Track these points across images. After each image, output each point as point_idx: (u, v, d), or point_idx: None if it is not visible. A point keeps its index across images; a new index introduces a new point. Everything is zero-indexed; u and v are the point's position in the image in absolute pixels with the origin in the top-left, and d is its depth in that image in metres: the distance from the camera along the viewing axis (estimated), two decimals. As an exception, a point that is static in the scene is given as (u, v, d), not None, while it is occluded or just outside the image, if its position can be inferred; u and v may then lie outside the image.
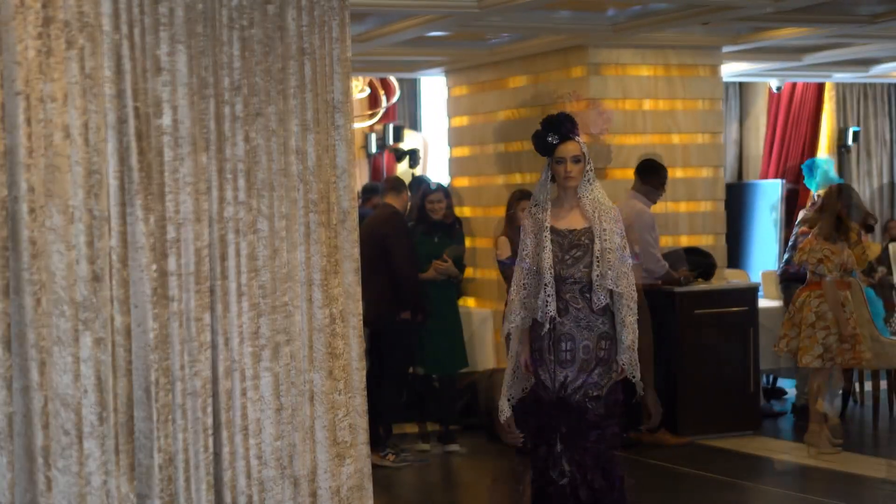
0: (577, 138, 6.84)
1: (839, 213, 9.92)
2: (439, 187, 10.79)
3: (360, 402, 6.47)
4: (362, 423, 6.49)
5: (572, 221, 6.85)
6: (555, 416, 6.81)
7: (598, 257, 6.73)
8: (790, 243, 11.99)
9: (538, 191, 6.92)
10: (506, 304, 7.05)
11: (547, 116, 6.90)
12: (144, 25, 5.87)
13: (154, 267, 5.82)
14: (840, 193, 10.13)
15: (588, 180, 6.86)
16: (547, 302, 6.71)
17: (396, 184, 10.55)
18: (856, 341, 9.70)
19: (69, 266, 5.58)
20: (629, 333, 6.80)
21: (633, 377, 6.93)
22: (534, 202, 6.92)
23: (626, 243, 6.84)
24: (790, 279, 11.67)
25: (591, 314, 6.78)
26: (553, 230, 6.81)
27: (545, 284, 6.72)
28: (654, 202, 10.44)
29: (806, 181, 13.52)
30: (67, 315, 5.58)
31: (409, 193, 10.66)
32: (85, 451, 5.63)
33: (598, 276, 6.72)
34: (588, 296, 6.75)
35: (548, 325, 6.73)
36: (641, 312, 10.19)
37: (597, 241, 6.74)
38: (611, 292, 6.74)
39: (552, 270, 6.72)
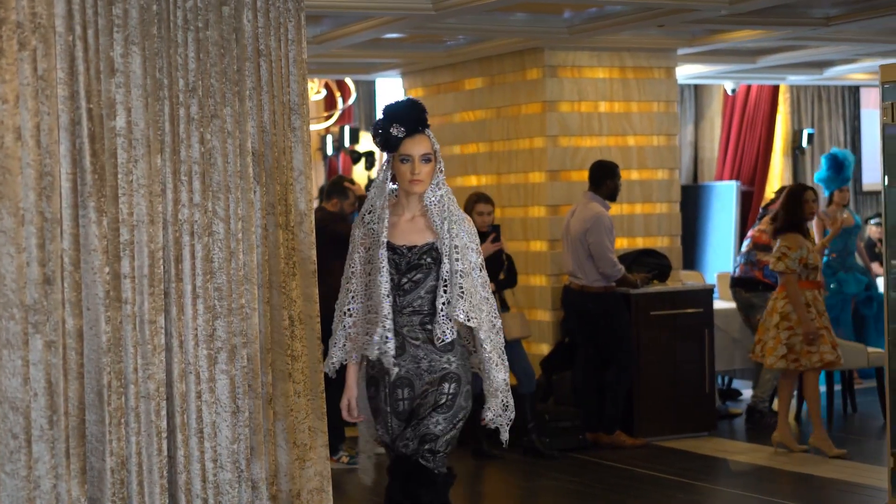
0: (427, 132, 5.63)
1: (795, 210, 9.94)
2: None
3: (318, 404, 6.46)
4: (321, 425, 6.48)
5: (413, 236, 5.61)
6: (403, 483, 5.56)
7: (445, 280, 5.53)
8: (742, 249, 12.04)
9: (374, 195, 5.67)
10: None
11: (390, 103, 5.69)
12: (98, 27, 5.84)
13: (107, 269, 5.79)
14: (795, 192, 10.15)
15: (437, 184, 5.62)
16: (386, 339, 5.51)
17: (334, 189, 10.31)
18: (820, 342, 9.72)
19: (19, 269, 5.55)
20: (499, 373, 5.74)
21: (503, 430, 5.87)
22: (368, 208, 5.67)
23: (480, 262, 5.66)
24: (737, 284, 11.75)
25: (434, 352, 5.59)
26: (389, 246, 5.58)
27: (383, 317, 5.50)
28: (614, 200, 10.45)
29: (830, 175, 13.31)
30: (17, 318, 5.55)
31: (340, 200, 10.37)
32: (34, 454, 5.60)
33: (443, 304, 5.53)
34: (430, 329, 5.57)
35: (395, 369, 5.56)
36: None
37: (445, 260, 5.54)
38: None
39: (389, 299, 5.51)
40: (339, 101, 15.67)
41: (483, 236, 9.83)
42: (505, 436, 5.88)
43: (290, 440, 6.39)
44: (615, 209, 10.85)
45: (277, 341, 6.37)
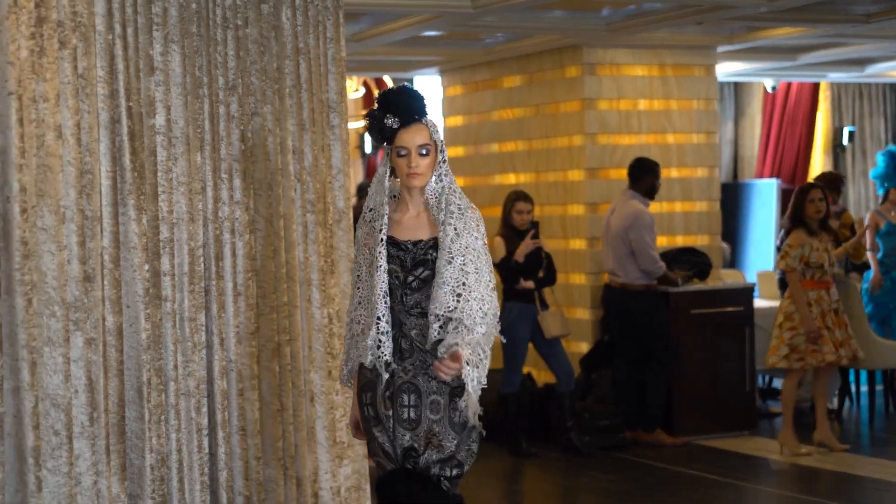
0: (425, 120, 5.15)
1: (800, 208, 9.86)
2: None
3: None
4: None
5: (418, 231, 5.18)
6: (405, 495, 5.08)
7: (439, 273, 5.05)
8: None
9: (374, 190, 5.23)
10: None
11: (384, 91, 5.20)
12: (138, 25, 5.86)
13: (147, 267, 5.81)
14: (803, 190, 10.06)
15: (440, 176, 5.19)
16: (379, 342, 5.07)
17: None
18: (822, 342, 9.65)
19: (60, 266, 5.57)
20: (474, 373, 5.03)
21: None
22: (368, 205, 5.25)
23: (489, 257, 5.18)
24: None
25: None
26: (392, 242, 5.14)
27: (377, 318, 5.06)
28: (652, 199, 10.41)
29: (887, 172, 13.21)
30: (58, 315, 5.57)
31: None
32: (75, 451, 5.62)
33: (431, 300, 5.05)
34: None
35: (386, 374, 5.09)
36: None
37: (440, 257, 5.06)
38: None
39: (386, 299, 5.08)
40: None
41: (522, 234, 9.82)
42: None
43: (329, 438, 6.40)
44: (655, 207, 10.81)
45: (317, 339, 6.38)
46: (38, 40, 5.57)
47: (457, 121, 13.19)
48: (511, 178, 12.15)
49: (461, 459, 5.10)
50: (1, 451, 5.49)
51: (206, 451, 6.07)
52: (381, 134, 5.10)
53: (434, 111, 14.54)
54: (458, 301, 5.01)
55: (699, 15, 10.00)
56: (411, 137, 5.07)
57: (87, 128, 5.68)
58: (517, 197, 10.03)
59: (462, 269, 5.04)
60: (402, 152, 5.07)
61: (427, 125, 5.12)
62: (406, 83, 5.32)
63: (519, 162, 12.07)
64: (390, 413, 5.07)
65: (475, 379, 5.03)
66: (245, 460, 6.19)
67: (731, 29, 11.36)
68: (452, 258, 5.04)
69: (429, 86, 15.72)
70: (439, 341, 5.02)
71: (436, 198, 5.16)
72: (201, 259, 6.05)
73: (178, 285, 5.96)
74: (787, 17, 10.48)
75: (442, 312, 5.00)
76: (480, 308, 5.05)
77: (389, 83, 15.47)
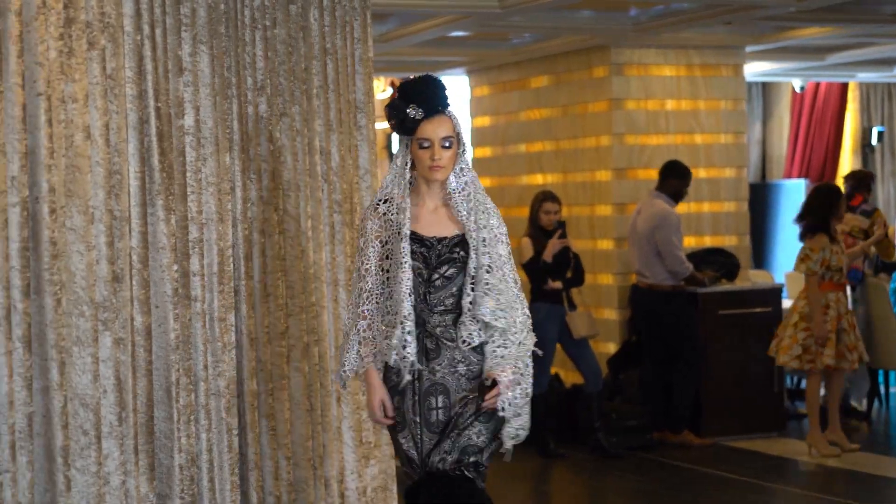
0: (448, 111, 5.01)
1: (826, 211, 9.82)
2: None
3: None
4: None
5: (439, 227, 5.01)
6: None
7: (472, 277, 4.93)
8: None
9: (390, 182, 5.04)
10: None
11: (406, 81, 5.06)
12: (166, 26, 5.88)
13: (175, 267, 5.82)
14: (824, 192, 10.01)
15: (460, 170, 5.03)
16: (405, 343, 4.89)
17: None
18: (827, 346, 9.61)
19: (89, 266, 5.59)
20: (526, 384, 5.22)
21: (508, 440, 5.21)
22: (382, 197, 5.04)
23: (510, 255, 5.07)
24: None
25: (472, 354, 4.99)
26: (415, 238, 4.96)
27: (403, 318, 4.89)
28: (677, 203, 10.39)
29: None
30: (87, 315, 5.59)
31: None
32: (104, 450, 5.63)
33: (469, 304, 4.93)
34: None
35: (408, 375, 4.92)
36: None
37: (472, 255, 4.94)
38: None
39: (412, 297, 4.90)
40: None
41: (549, 234, 9.80)
42: (508, 449, 5.24)
43: (356, 438, 6.40)
44: (682, 207, 10.78)
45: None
46: (67, 41, 5.59)
47: (484, 121, 13.18)
48: (538, 179, 12.13)
49: (480, 444, 4.99)
50: (30, 450, 5.51)
51: (237, 451, 6.08)
52: (403, 126, 4.95)
53: (461, 111, 14.54)
54: (503, 310, 4.96)
55: (727, 15, 9.97)
56: (435, 129, 4.93)
57: (115, 128, 5.70)
58: (545, 197, 10.02)
59: (499, 270, 4.96)
60: (425, 144, 4.92)
61: (450, 116, 4.99)
62: (429, 73, 5.13)
63: (546, 162, 12.06)
64: (418, 419, 4.93)
65: (510, 401, 5.11)
66: (275, 460, 6.20)
67: (759, 29, 11.33)
68: (492, 263, 4.96)
69: (456, 86, 15.74)
70: (480, 345, 4.99)
71: (460, 194, 5.01)
72: (231, 259, 6.06)
73: (208, 285, 5.97)
74: (816, 16, 10.45)
75: (489, 320, 4.93)
76: (524, 313, 5.08)
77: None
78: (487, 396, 4.99)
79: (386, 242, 4.97)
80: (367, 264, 5.00)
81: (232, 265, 6.08)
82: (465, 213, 4.97)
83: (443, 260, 4.95)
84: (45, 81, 5.51)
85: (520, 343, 5.12)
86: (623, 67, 11.28)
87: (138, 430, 5.77)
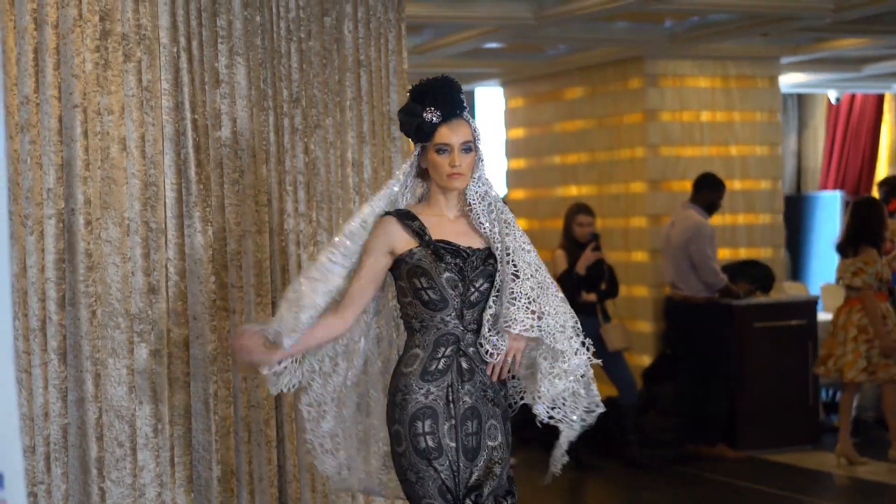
0: (465, 115, 4.67)
1: (874, 225, 9.78)
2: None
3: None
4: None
5: (468, 238, 4.65)
6: None
7: (497, 290, 4.60)
8: None
9: (395, 192, 4.72)
10: None
11: (421, 82, 4.69)
12: (203, 38, 5.89)
13: (213, 279, 5.83)
14: (871, 204, 9.98)
15: (479, 178, 4.68)
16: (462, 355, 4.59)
17: None
18: (893, 355, 9.58)
19: (125, 278, 5.60)
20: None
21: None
22: (380, 208, 4.69)
23: (540, 262, 4.68)
24: None
25: (496, 382, 4.66)
26: (448, 248, 4.59)
27: (448, 337, 4.58)
28: (711, 215, 10.35)
29: None
30: (122, 327, 5.60)
31: None
32: (139, 462, 5.64)
33: (491, 317, 4.58)
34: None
35: (447, 396, 4.55)
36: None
37: (499, 267, 4.61)
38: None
39: (456, 302, 4.58)
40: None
41: (583, 246, 9.79)
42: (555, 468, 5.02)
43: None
44: (717, 219, 10.75)
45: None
46: (103, 53, 5.60)
47: (518, 133, 13.18)
48: (573, 190, 12.12)
49: (510, 487, 4.70)
50: (65, 462, 5.52)
51: (276, 463, 6.08)
52: (420, 131, 4.59)
53: (496, 122, 14.54)
54: (537, 320, 4.57)
55: (763, 26, 9.95)
56: (453, 133, 4.59)
57: (151, 140, 5.71)
58: (578, 209, 10.00)
59: (531, 278, 4.57)
60: (444, 149, 4.57)
61: (467, 121, 4.66)
62: (444, 74, 4.76)
63: (581, 174, 12.04)
64: (454, 444, 4.53)
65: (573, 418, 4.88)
66: (312, 472, 6.20)
67: (795, 40, 11.30)
68: (511, 268, 4.57)
69: (490, 97, 15.73)
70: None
71: (481, 204, 4.66)
72: (268, 271, 6.07)
73: (246, 297, 5.97)
74: (852, 28, 10.41)
75: (525, 333, 4.55)
76: (557, 322, 4.63)
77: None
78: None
79: (412, 256, 4.57)
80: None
81: (269, 277, 6.08)
82: (487, 224, 4.63)
83: (478, 273, 4.58)
84: (82, 93, 5.53)
85: (580, 353, 4.74)
86: (658, 79, 11.27)
87: (175, 443, 5.77)
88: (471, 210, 4.67)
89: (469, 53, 11.38)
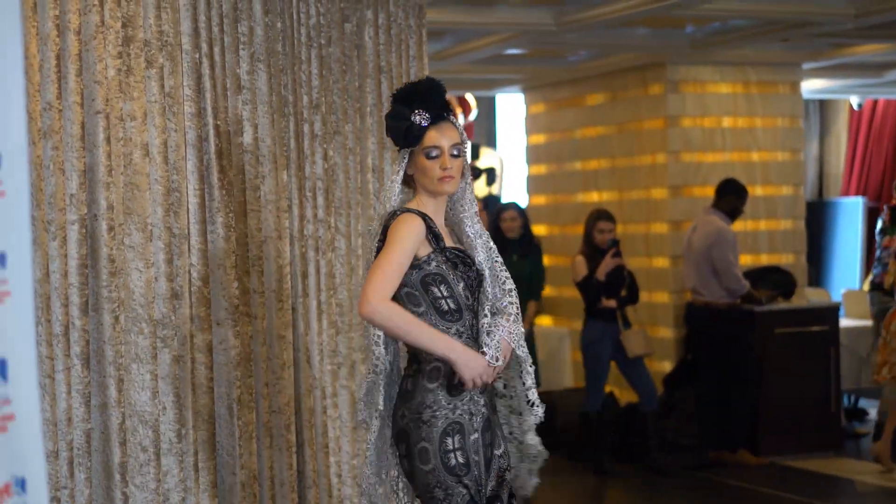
0: (452, 118, 4.54)
1: None
2: (513, 206, 10.75)
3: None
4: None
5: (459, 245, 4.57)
6: None
7: (490, 300, 4.50)
8: (876, 255, 11.78)
9: (385, 200, 4.52)
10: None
11: (406, 85, 4.57)
12: (224, 44, 5.90)
13: (236, 284, 5.84)
14: None
15: (467, 183, 4.57)
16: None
17: None
18: None
19: (148, 284, 5.61)
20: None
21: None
22: (381, 217, 4.52)
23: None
24: (878, 288, 11.48)
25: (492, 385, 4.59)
26: (460, 258, 4.49)
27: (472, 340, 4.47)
28: (733, 221, 10.33)
29: None
30: (146, 332, 5.61)
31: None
32: (163, 467, 5.65)
33: (487, 324, 4.48)
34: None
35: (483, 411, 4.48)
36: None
37: (488, 276, 4.49)
38: None
39: (468, 313, 4.49)
40: (460, 117, 15.70)
41: (603, 253, 9.78)
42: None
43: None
44: (739, 225, 10.74)
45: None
46: (125, 59, 5.62)
47: (539, 139, 13.18)
48: (594, 196, 12.11)
49: (513, 490, 4.66)
50: (88, 467, 5.54)
51: (296, 468, 6.09)
52: (409, 134, 4.41)
53: (517, 128, 14.55)
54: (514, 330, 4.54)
55: (784, 32, 9.94)
56: (443, 136, 4.44)
57: (174, 146, 5.73)
58: (599, 216, 9.99)
59: (513, 291, 4.56)
60: (434, 153, 4.41)
61: (454, 123, 4.52)
62: (429, 77, 4.63)
63: (602, 180, 12.04)
64: (478, 458, 4.44)
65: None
66: (328, 478, 6.21)
67: (816, 46, 11.28)
68: (509, 280, 4.56)
69: (511, 104, 15.75)
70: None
71: (469, 213, 4.55)
72: (288, 277, 6.08)
73: (268, 303, 5.99)
74: (874, 33, 10.38)
75: (517, 343, 4.56)
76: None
77: (472, 101, 15.48)
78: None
79: (428, 264, 4.43)
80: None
81: (290, 282, 6.10)
82: (472, 235, 4.53)
83: (478, 282, 4.50)
84: (104, 100, 5.55)
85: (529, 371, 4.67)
86: (679, 84, 11.26)
87: (199, 447, 5.78)
88: (459, 217, 4.57)
89: (490, 59, 11.38)
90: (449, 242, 4.49)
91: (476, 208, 4.59)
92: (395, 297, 4.42)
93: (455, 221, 4.60)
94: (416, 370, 4.46)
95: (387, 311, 4.30)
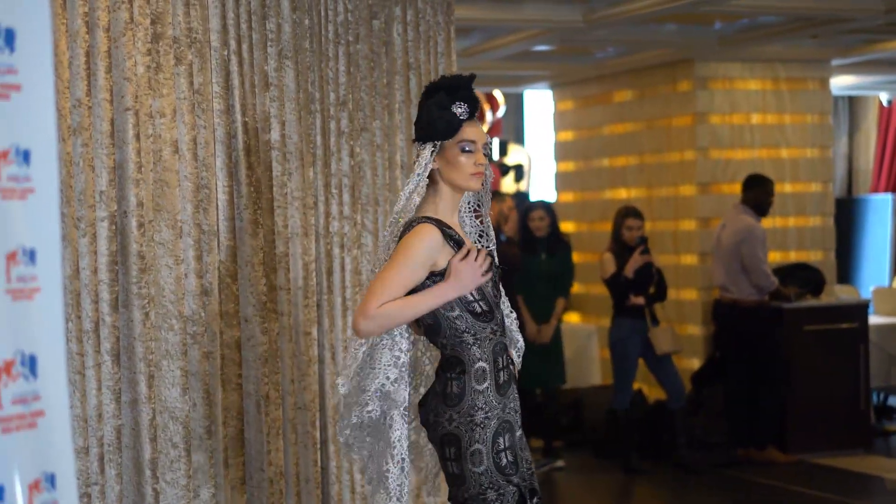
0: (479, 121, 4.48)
1: None
2: (541, 204, 10.73)
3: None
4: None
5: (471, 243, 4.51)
6: None
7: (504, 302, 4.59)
8: None
9: (405, 199, 4.39)
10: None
11: (451, 76, 4.46)
12: (252, 41, 5.92)
13: (263, 281, 5.85)
14: None
15: (488, 183, 4.51)
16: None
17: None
18: None
19: (178, 280, 5.63)
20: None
21: None
22: (402, 212, 4.41)
23: None
24: None
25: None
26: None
27: (499, 345, 4.44)
28: (764, 215, 10.28)
29: None
30: (176, 329, 5.62)
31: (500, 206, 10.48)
32: (193, 463, 5.66)
33: (510, 325, 4.64)
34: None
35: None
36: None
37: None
38: None
39: (498, 311, 4.46)
40: (488, 113, 15.70)
41: (632, 250, 9.76)
42: None
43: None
44: (767, 222, 10.70)
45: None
46: (155, 56, 5.64)
47: (567, 136, 13.17)
48: (622, 193, 12.09)
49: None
50: (118, 463, 5.55)
51: (320, 465, 6.10)
52: (449, 125, 4.32)
53: (545, 126, 14.54)
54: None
55: (814, 28, 9.90)
56: (478, 132, 4.37)
57: (203, 143, 5.74)
58: (627, 213, 9.97)
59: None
60: (469, 147, 4.33)
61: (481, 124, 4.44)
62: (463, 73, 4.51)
63: (630, 177, 12.02)
64: (524, 454, 4.45)
65: None
66: (351, 474, 6.22)
67: (846, 42, 11.23)
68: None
69: (540, 100, 15.73)
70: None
71: (483, 212, 4.57)
72: (314, 273, 6.09)
73: (294, 300, 6.00)
74: (904, 29, 10.34)
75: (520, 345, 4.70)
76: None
77: (500, 98, 15.47)
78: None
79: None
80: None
81: (315, 279, 6.11)
82: (470, 228, 4.58)
83: (500, 273, 4.52)
84: (133, 96, 5.57)
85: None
86: (708, 81, 11.23)
87: (228, 444, 5.80)
88: (478, 215, 4.58)
89: (518, 56, 11.37)
90: (469, 243, 4.43)
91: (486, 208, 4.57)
92: None
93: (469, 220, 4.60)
94: (461, 372, 4.37)
95: (384, 311, 4.23)
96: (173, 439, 5.63)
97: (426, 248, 4.27)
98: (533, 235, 10.42)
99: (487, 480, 4.33)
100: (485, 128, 14.05)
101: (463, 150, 4.33)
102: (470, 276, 4.28)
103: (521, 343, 4.75)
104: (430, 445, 4.59)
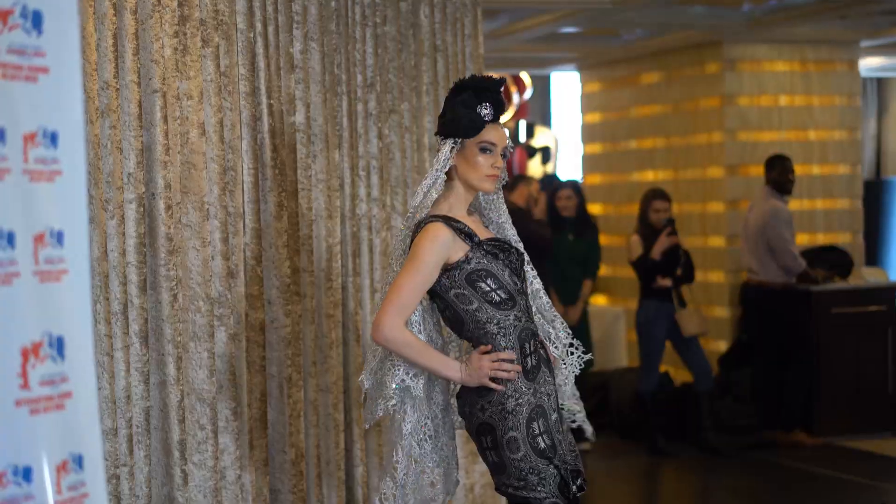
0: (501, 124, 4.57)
1: None
2: (570, 184, 10.72)
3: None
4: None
5: (489, 234, 4.60)
6: None
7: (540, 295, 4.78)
8: None
9: (423, 194, 4.46)
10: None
11: (480, 77, 4.54)
12: (278, 23, 5.92)
13: (287, 263, 5.86)
14: None
15: (499, 186, 4.62)
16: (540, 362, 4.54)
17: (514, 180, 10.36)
18: None
19: (205, 262, 5.63)
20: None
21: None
22: (419, 208, 4.49)
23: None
24: None
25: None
26: (500, 246, 4.50)
27: (526, 332, 4.49)
28: (788, 193, 10.23)
29: None
30: (203, 311, 5.63)
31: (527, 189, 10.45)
32: (220, 445, 5.68)
33: (550, 310, 4.84)
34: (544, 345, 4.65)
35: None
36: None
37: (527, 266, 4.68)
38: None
39: (521, 298, 4.50)
40: (515, 95, 15.67)
41: (659, 232, 9.75)
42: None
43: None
44: (795, 204, 10.68)
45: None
46: (182, 38, 5.64)
47: (595, 117, 13.15)
48: (649, 175, 12.07)
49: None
50: (147, 444, 5.57)
51: (343, 447, 6.11)
52: (471, 124, 4.41)
53: (573, 108, 14.51)
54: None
55: (842, 9, 9.86)
56: (499, 134, 4.47)
57: (229, 125, 5.75)
58: (654, 195, 9.96)
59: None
60: (489, 148, 4.42)
61: (503, 128, 4.55)
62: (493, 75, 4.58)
63: (658, 159, 12.00)
64: (560, 437, 4.50)
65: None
66: (380, 456, 6.23)
67: (874, 23, 11.18)
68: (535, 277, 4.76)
69: (567, 82, 15.70)
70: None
71: (504, 214, 4.68)
72: (339, 256, 6.10)
73: (317, 282, 6.01)
74: (933, 10, 10.29)
75: (566, 339, 4.79)
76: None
77: (527, 80, 15.44)
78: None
79: (463, 265, 4.41)
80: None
81: (340, 262, 6.11)
82: (509, 229, 4.69)
83: (520, 265, 4.55)
84: (161, 78, 5.57)
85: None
86: (736, 63, 11.20)
87: (253, 426, 5.82)
88: (490, 218, 4.68)
89: (545, 38, 11.36)
90: (482, 234, 4.49)
91: (503, 209, 4.68)
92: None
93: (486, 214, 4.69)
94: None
95: (399, 339, 4.37)
96: (200, 421, 5.65)
97: (437, 248, 4.37)
98: (560, 215, 10.41)
99: (527, 466, 4.37)
100: (512, 110, 14.07)
101: (482, 151, 4.42)
102: (477, 375, 4.39)
103: (562, 322, 4.81)
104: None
